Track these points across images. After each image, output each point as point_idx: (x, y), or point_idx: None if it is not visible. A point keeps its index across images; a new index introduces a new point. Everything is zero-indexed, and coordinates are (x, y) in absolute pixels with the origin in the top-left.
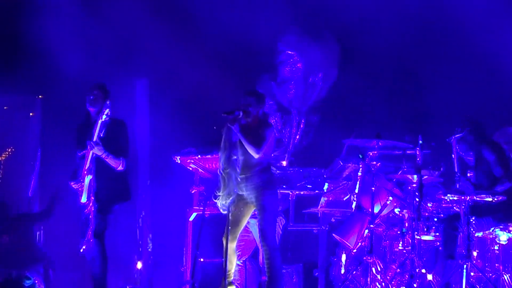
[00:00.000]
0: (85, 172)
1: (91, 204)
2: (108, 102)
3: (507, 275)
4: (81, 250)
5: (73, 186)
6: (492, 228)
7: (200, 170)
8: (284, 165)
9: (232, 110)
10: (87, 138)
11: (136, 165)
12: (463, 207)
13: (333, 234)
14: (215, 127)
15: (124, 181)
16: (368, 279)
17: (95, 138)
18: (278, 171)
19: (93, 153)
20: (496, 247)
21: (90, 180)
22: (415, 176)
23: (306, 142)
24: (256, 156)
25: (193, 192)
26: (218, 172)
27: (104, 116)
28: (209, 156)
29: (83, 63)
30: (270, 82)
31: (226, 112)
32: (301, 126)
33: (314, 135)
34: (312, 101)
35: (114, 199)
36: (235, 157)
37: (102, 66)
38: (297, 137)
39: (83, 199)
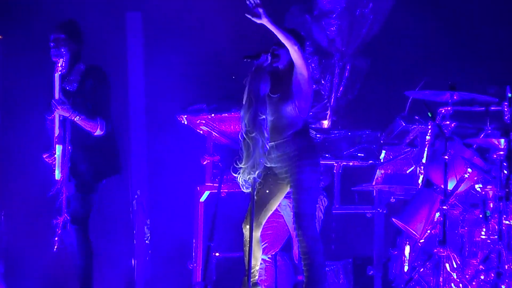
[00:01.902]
0: (56, 140)
1: (63, 181)
2: (75, 46)
3: None
4: (54, 248)
5: (46, 159)
6: None
7: (214, 133)
8: (326, 126)
9: (256, 53)
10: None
11: (127, 127)
12: None
13: (393, 219)
14: (233, 76)
15: (109, 149)
16: (441, 279)
17: (56, 95)
18: (318, 135)
19: (59, 115)
20: None
21: (62, 150)
22: (502, 141)
23: (353, 95)
24: (305, 73)
25: (205, 163)
26: (239, 136)
27: (59, 68)
28: (226, 114)
29: None
30: (304, 16)
31: (248, 56)
32: (346, 74)
33: (364, 86)
34: (360, 41)
35: (97, 173)
36: (263, 117)
37: None
38: (341, 88)
39: (57, 176)
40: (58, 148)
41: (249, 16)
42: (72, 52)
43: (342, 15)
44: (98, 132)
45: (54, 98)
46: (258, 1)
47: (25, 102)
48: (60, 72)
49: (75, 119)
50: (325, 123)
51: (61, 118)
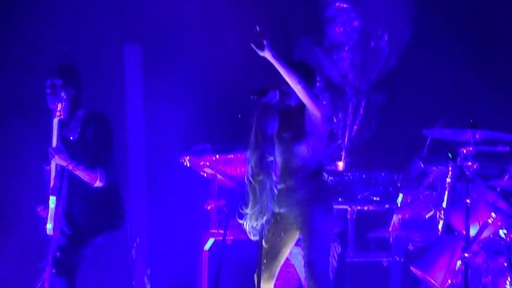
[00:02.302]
0: (50, 191)
1: (56, 236)
2: (73, 91)
3: None
4: None
5: (41, 213)
6: None
7: (218, 176)
8: (340, 168)
9: (264, 89)
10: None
11: (126, 168)
12: None
13: (411, 268)
14: (239, 115)
15: (110, 201)
16: None
17: (54, 143)
18: (331, 178)
19: (56, 165)
20: None
21: (56, 202)
22: None
23: (369, 135)
24: (317, 113)
25: (209, 208)
26: (246, 179)
27: (57, 113)
28: (231, 155)
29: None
30: (313, 48)
31: (256, 93)
32: (361, 111)
33: (380, 124)
34: (375, 75)
35: (95, 228)
36: (271, 158)
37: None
38: (355, 127)
39: (48, 230)
40: (52, 200)
41: (253, 47)
42: (71, 98)
43: (355, 48)
44: (97, 183)
45: (51, 146)
46: (264, 31)
47: (24, 150)
48: (58, 118)
49: (73, 169)
50: (340, 165)
51: (58, 168)
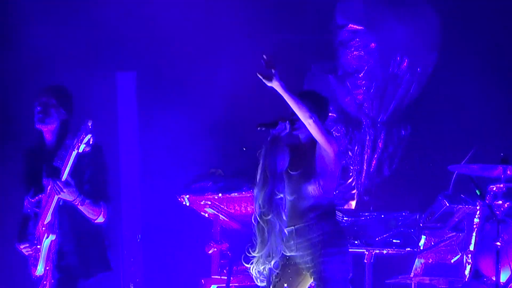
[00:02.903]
0: (44, 228)
1: (49, 278)
2: (65, 115)
3: None
4: None
5: (23, 250)
6: None
7: (221, 216)
8: (353, 206)
9: (273, 121)
10: (44, 175)
11: (119, 208)
12: None
13: None
14: (244, 148)
15: (103, 240)
16: None
17: (64, 177)
18: (345, 218)
19: (58, 199)
20: None
21: (52, 241)
22: None
23: (389, 171)
24: (330, 150)
25: (210, 252)
26: (252, 219)
27: (82, 146)
28: (236, 194)
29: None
30: (326, 76)
31: (263, 124)
32: (379, 145)
33: (401, 159)
34: (395, 105)
35: (87, 269)
36: (280, 196)
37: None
38: (373, 162)
39: (39, 271)
40: (48, 239)
41: (260, 77)
42: (61, 122)
43: (371, 75)
44: (100, 219)
45: (59, 179)
46: (272, 60)
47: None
48: (77, 150)
49: (80, 204)
50: (353, 204)
51: (60, 203)
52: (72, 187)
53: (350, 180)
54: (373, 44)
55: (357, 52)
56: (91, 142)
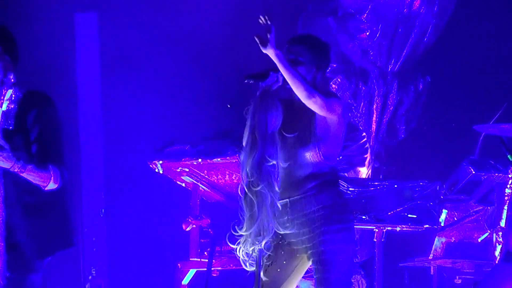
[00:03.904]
0: None
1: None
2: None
3: None
4: None
5: None
6: None
7: (201, 186)
8: (364, 175)
9: (263, 71)
10: None
11: (79, 178)
12: None
13: None
14: (229, 105)
15: (60, 210)
16: None
17: None
18: (351, 189)
19: None
20: None
21: None
22: None
23: (405, 133)
24: (305, 98)
25: (188, 229)
26: (239, 190)
27: (5, 103)
28: (218, 159)
29: None
30: (324, 18)
31: (252, 76)
32: (391, 100)
33: (420, 118)
34: (408, 53)
35: (42, 246)
36: (272, 162)
37: None
38: (384, 121)
39: None
40: None
41: (256, 40)
42: (4, 71)
43: (377, 15)
44: (51, 185)
45: None
46: (271, 25)
47: None
48: (4, 109)
49: (20, 171)
50: (363, 172)
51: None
52: (6, 152)
53: (362, 141)
54: None
55: None
56: (13, 98)
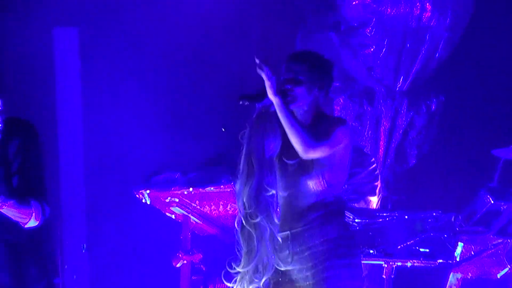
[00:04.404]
0: None
1: None
2: None
3: None
4: None
5: None
6: None
7: (193, 218)
8: (375, 205)
9: (259, 92)
10: None
11: (58, 210)
12: None
13: None
14: (223, 128)
15: (42, 247)
16: None
17: None
18: (357, 220)
19: None
20: None
21: None
22: None
23: (416, 158)
24: (303, 151)
25: (178, 265)
26: (235, 223)
27: None
28: (212, 188)
29: None
30: (326, 33)
31: (247, 96)
32: (400, 122)
33: (433, 142)
34: (418, 69)
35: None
36: (271, 192)
37: None
38: (393, 145)
39: None
40: None
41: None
42: None
43: (382, 29)
44: (32, 222)
45: None
46: (265, 63)
47: None
48: None
49: (0, 206)
50: (374, 201)
51: None
52: None
53: (372, 167)
54: None
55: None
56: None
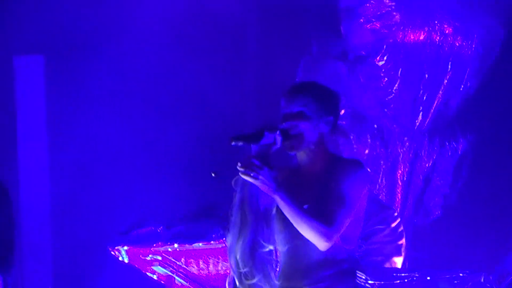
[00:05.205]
0: None
1: None
2: None
3: None
4: None
5: None
6: None
7: (178, 279)
8: (398, 263)
9: (255, 132)
10: None
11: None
12: None
13: None
14: (213, 173)
15: None
16: None
17: None
18: (371, 281)
19: None
20: None
21: None
22: None
23: (441, 210)
24: (323, 245)
25: None
26: (227, 285)
27: None
28: (200, 244)
29: None
30: (333, 62)
31: (240, 137)
32: (420, 167)
33: (461, 191)
34: (440, 105)
35: None
36: (268, 248)
37: None
38: (412, 192)
39: None
40: None
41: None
42: None
43: (395, 58)
44: None
45: None
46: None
47: None
48: None
49: None
50: (398, 262)
51: None
52: None
53: (394, 224)
54: (398, 15)
55: (369, 23)
56: None
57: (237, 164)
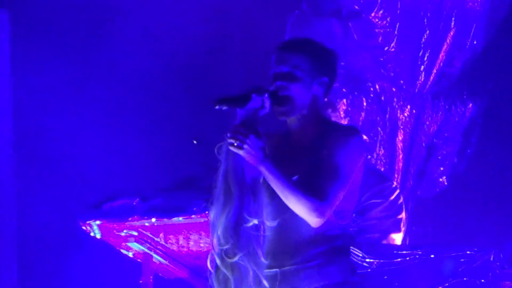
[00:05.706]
0: None
1: None
2: None
3: None
4: None
5: None
6: None
7: (156, 257)
8: (395, 241)
9: (242, 95)
10: None
11: None
12: None
13: None
14: (194, 140)
15: None
16: None
17: None
18: (369, 260)
19: None
20: None
21: None
22: None
23: (448, 181)
24: (315, 221)
25: None
26: (208, 263)
27: None
28: (180, 219)
29: None
30: (326, 20)
31: (225, 100)
32: (424, 135)
33: (470, 160)
34: (444, 65)
35: None
36: (253, 222)
37: None
38: (414, 162)
39: None
40: None
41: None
42: None
43: (392, 13)
44: None
45: None
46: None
47: None
48: None
49: None
50: (398, 239)
51: None
52: None
53: (393, 197)
54: None
55: None
56: None
57: (225, 134)
